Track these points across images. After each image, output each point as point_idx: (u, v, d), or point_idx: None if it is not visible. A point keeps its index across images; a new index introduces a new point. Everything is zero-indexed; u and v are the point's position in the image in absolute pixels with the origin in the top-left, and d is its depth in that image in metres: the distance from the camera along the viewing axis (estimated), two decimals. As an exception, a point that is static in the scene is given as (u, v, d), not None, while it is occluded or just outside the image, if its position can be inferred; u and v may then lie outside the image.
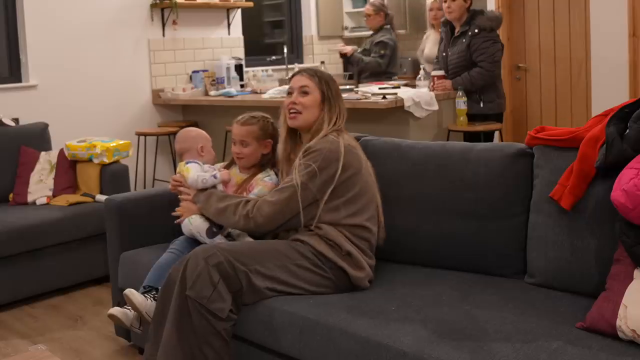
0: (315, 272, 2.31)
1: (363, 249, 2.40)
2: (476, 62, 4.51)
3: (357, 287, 2.34)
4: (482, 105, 4.58)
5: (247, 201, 2.43)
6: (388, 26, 5.86)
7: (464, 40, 4.54)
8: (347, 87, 5.28)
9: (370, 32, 5.99)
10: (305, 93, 2.48)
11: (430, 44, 5.39)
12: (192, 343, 2.16)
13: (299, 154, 2.41)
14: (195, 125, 5.56)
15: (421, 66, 5.04)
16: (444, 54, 4.74)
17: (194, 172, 2.64)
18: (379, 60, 5.70)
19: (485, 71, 4.49)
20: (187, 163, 2.71)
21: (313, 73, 2.53)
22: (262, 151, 2.73)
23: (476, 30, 4.48)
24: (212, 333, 2.17)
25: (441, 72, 4.66)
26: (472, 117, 4.54)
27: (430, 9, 5.34)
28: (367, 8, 5.87)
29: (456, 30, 4.62)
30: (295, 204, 2.34)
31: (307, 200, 2.35)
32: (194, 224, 2.63)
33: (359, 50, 5.89)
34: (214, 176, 2.60)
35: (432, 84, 4.64)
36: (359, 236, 2.39)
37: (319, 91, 2.48)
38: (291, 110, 2.49)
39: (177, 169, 2.78)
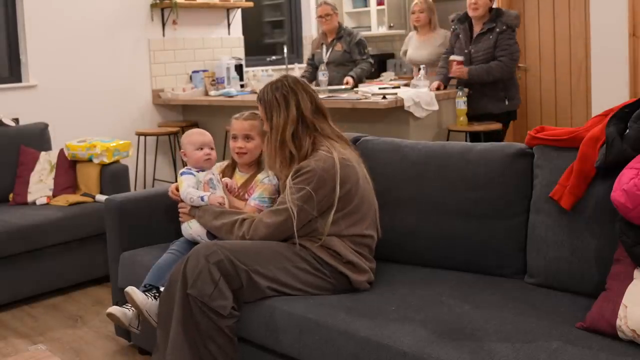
0: (315, 275, 2.30)
1: (364, 254, 2.39)
2: (497, 57, 4.55)
3: (358, 290, 2.33)
4: (507, 102, 4.64)
5: (243, 220, 2.40)
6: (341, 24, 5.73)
7: (490, 37, 4.55)
8: (343, 87, 5.28)
9: (318, 36, 5.75)
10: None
11: (412, 46, 5.42)
12: (197, 340, 2.18)
13: (289, 175, 2.34)
14: (196, 125, 5.57)
15: (421, 66, 5.04)
16: (466, 51, 4.68)
17: (186, 186, 2.64)
18: (369, 62, 5.60)
19: (504, 65, 4.52)
20: (181, 174, 2.70)
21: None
22: (262, 147, 2.72)
23: (504, 27, 4.52)
24: (215, 330, 2.18)
25: (461, 58, 4.61)
26: (495, 117, 4.62)
27: (413, 12, 5.32)
28: (324, 8, 5.52)
29: (477, 27, 4.64)
30: (291, 225, 2.30)
31: (304, 220, 2.32)
32: (193, 227, 2.63)
33: (325, 59, 5.60)
34: (202, 199, 2.57)
35: (448, 67, 4.64)
36: (360, 243, 2.38)
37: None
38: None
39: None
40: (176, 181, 2.76)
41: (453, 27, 4.83)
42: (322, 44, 5.69)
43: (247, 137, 2.71)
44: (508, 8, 6.10)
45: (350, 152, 2.45)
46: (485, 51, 4.57)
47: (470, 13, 4.63)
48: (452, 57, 4.63)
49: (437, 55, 5.30)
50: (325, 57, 5.61)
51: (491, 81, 4.56)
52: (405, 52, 5.60)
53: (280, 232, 2.34)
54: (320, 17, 5.59)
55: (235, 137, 2.75)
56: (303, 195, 2.28)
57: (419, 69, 5.21)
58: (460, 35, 4.73)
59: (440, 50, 5.30)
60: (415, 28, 5.40)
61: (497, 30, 4.53)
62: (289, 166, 2.39)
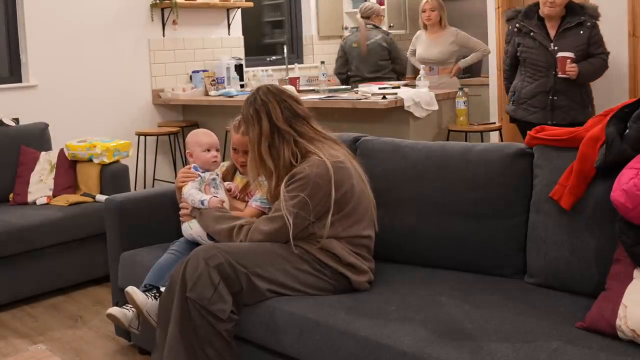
0: (316, 276, 2.30)
1: (362, 254, 2.38)
2: (594, 54, 4.03)
3: (358, 290, 2.33)
4: (590, 109, 4.08)
5: (241, 227, 2.39)
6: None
7: (581, 32, 3.99)
8: (343, 87, 5.32)
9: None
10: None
11: (422, 45, 5.39)
12: (194, 343, 2.16)
13: (283, 182, 2.32)
14: (196, 125, 5.57)
15: (421, 66, 5.04)
16: (548, 48, 4.01)
17: (190, 186, 2.63)
18: None
19: (605, 63, 4.04)
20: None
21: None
22: None
23: (594, 21, 4.02)
24: (213, 334, 2.17)
25: (572, 54, 3.94)
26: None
27: (423, 10, 5.29)
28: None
29: (553, 23, 4.04)
30: (287, 232, 2.28)
31: (301, 226, 2.30)
32: (193, 228, 2.62)
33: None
34: (202, 202, 2.56)
35: (559, 66, 3.94)
36: (359, 244, 2.38)
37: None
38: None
39: None
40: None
41: (517, 24, 4.12)
42: None
43: (247, 152, 2.69)
44: (507, 8, 6.10)
45: (341, 151, 2.43)
46: (577, 48, 3.97)
47: (546, 12, 4.00)
48: (561, 54, 3.93)
49: (449, 53, 5.25)
50: None
51: (589, 81, 4.07)
52: (412, 52, 5.57)
53: (276, 239, 2.33)
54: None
55: (236, 150, 2.74)
56: (298, 202, 2.26)
57: (430, 68, 5.20)
58: (533, 33, 4.04)
59: (452, 49, 5.25)
60: (425, 27, 5.36)
61: (588, 24, 3.99)
62: (271, 178, 2.38)
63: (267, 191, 2.44)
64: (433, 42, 5.30)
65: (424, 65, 5.13)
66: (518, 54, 4.15)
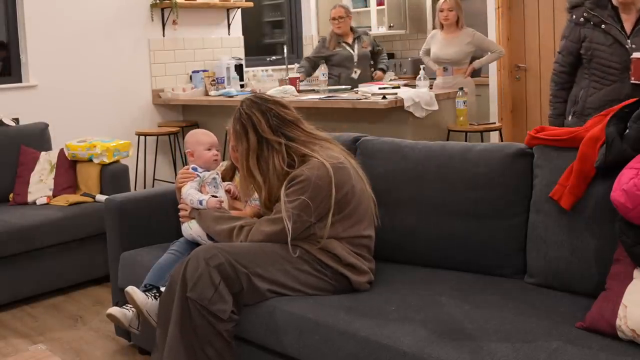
0: (317, 276, 2.29)
1: (363, 254, 2.38)
2: None
3: (358, 290, 2.33)
4: None
5: (242, 227, 2.39)
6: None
7: None
8: (343, 87, 5.32)
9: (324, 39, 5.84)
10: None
11: (438, 44, 5.32)
12: (194, 343, 2.16)
13: (283, 185, 2.31)
14: (196, 125, 5.57)
15: (421, 66, 5.03)
16: (625, 46, 3.26)
17: (189, 186, 2.64)
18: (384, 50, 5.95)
19: None
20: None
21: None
22: None
23: None
24: (213, 334, 2.17)
25: None
26: None
27: (441, 10, 5.21)
28: (338, 10, 5.66)
29: (631, 16, 3.28)
30: (288, 234, 2.28)
31: (302, 228, 2.30)
32: (193, 228, 2.62)
33: (356, 58, 5.72)
34: (200, 202, 2.56)
35: (635, 70, 3.18)
36: (359, 244, 2.38)
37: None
38: None
39: None
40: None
41: (585, 13, 3.36)
42: (339, 43, 5.73)
43: None
44: (508, 8, 6.11)
45: (336, 149, 2.42)
46: None
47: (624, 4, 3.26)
48: (637, 55, 3.18)
49: (465, 53, 5.20)
50: (356, 56, 5.70)
51: None
52: (426, 52, 5.49)
53: (277, 241, 2.32)
54: (333, 19, 5.67)
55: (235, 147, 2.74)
56: (299, 204, 2.26)
57: (445, 69, 5.18)
58: (605, 25, 3.28)
59: (468, 49, 5.19)
60: (441, 26, 5.30)
61: None
62: (260, 191, 2.38)
63: (260, 204, 2.45)
64: (449, 42, 5.23)
65: (423, 66, 5.12)
66: (582, 52, 3.39)
